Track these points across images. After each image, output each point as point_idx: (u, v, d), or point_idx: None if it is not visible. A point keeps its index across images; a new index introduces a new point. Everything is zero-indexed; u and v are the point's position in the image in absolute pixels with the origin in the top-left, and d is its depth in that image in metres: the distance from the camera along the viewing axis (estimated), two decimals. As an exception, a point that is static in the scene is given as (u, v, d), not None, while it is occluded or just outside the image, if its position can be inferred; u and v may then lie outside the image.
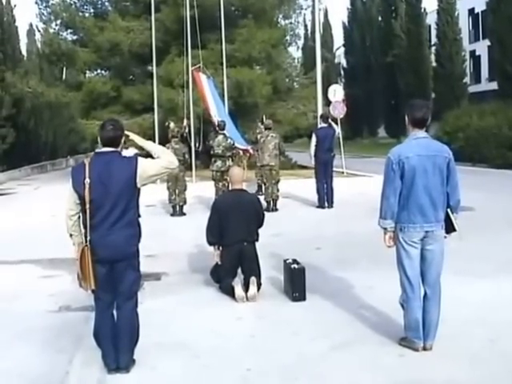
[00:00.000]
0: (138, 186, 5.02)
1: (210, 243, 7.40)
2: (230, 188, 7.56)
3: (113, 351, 5.17)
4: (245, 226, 7.24)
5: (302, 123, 27.06)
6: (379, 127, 54.97)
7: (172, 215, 13.90)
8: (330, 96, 21.72)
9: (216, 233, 7.27)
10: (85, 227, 5.00)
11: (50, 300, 7.34)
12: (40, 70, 33.59)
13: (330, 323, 6.21)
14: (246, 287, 7.12)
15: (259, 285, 7.23)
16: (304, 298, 6.87)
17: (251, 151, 15.72)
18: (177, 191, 13.85)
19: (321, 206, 14.32)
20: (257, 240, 7.43)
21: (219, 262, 7.38)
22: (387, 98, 50.10)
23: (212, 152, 14.08)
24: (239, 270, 7.36)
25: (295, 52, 63.03)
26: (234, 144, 14.20)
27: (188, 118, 18.47)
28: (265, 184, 14.42)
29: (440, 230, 5.37)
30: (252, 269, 7.26)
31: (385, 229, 5.49)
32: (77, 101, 25.31)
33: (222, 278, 7.33)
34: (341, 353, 5.50)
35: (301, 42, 42.68)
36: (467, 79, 45.85)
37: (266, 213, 13.59)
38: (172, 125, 15.41)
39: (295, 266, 6.99)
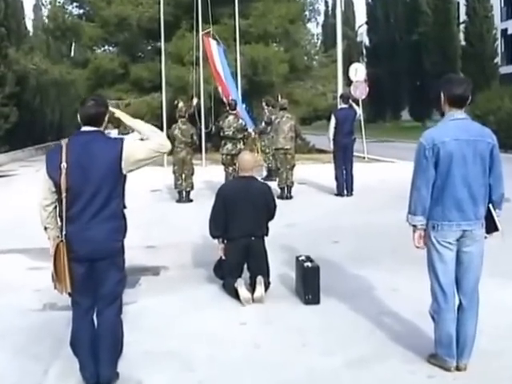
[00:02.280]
0: (124, 172, 4.25)
1: (214, 236, 6.60)
2: (238, 175, 6.71)
3: (92, 363, 4.43)
4: (253, 218, 6.41)
5: (320, 104, 26.00)
6: (403, 110, 53.46)
7: (178, 201, 13.05)
8: (351, 75, 20.74)
9: (220, 225, 6.46)
10: (61, 219, 4.26)
11: (34, 296, 6.59)
12: (47, 46, 32.58)
13: (345, 332, 5.40)
14: (253, 287, 6.34)
15: (267, 284, 6.43)
16: (318, 301, 6.06)
17: (252, 134, 14.73)
18: (183, 176, 12.99)
19: (339, 193, 13.44)
20: (266, 235, 6.60)
21: (223, 257, 6.59)
22: (412, 78, 48.58)
23: (222, 134, 13.26)
24: (246, 267, 6.57)
25: (314, 29, 61.61)
26: (245, 125, 13.36)
27: (198, 97, 17.64)
28: (279, 169, 13.51)
29: (480, 228, 4.53)
30: (259, 267, 6.46)
31: (414, 226, 4.65)
32: (82, 78, 24.41)
33: (226, 275, 6.54)
34: (357, 370, 4.72)
35: (321, 19, 41.55)
36: (498, 59, 44.45)
37: (279, 200, 12.91)
38: (181, 104, 14.59)
39: (308, 264, 6.16)
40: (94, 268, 4.30)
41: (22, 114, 25.53)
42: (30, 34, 37.63)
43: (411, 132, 40.55)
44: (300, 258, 6.37)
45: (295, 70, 24.94)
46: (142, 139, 4.34)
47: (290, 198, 13.30)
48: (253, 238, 6.42)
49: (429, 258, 4.63)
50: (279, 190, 13.30)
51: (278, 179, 13.49)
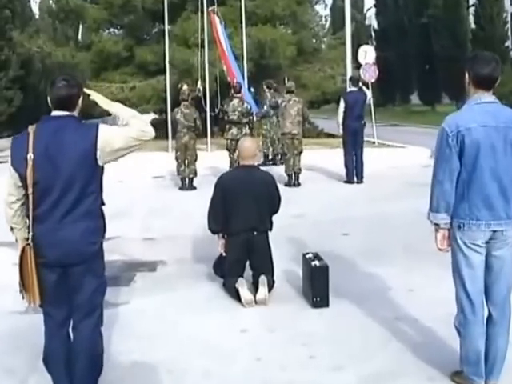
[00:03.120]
0: (100, 163, 3.67)
1: (213, 231, 6.03)
2: (239, 163, 6.12)
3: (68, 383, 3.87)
4: (255, 211, 5.84)
5: (329, 87, 25.18)
6: (412, 93, 52.53)
7: (181, 189, 12.45)
8: (361, 58, 19.96)
9: (220, 219, 5.89)
10: (28, 218, 3.68)
11: (18, 296, 6.02)
12: (53, 29, 31.98)
13: (357, 342, 4.82)
14: (255, 286, 5.78)
15: (271, 283, 5.88)
16: (326, 303, 5.48)
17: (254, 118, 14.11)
18: (186, 162, 12.38)
19: (349, 180, 12.82)
20: (270, 229, 6.02)
21: (224, 253, 6.02)
22: (421, 62, 47.47)
23: (226, 118, 12.66)
24: (248, 264, 6.01)
25: (322, 11, 60.54)
26: (251, 109, 12.74)
27: (203, 80, 17.01)
28: (286, 155, 12.88)
29: (512, 229, 3.93)
30: (262, 264, 5.90)
31: (437, 225, 4.06)
32: (86, 61, 23.74)
33: (226, 274, 5.98)
34: (371, 388, 4.16)
35: (329, 2, 40.54)
36: (509, 43, 43.36)
37: (286, 188, 12.45)
38: (185, 87, 13.95)
39: (316, 263, 5.58)
40: (67, 275, 3.73)
41: (27, 98, 24.88)
42: (36, 16, 36.91)
43: (421, 116, 39.88)
44: (307, 256, 5.78)
45: (303, 52, 24.14)
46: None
47: (298, 185, 12.70)
48: (255, 233, 5.84)
49: (454, 262, 4.05)
50: (286, 177, 12.71)
51: (284, 166, 12.88)
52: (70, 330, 3.91)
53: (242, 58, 18.19)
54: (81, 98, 3.78)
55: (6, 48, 24.18)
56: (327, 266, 5.52)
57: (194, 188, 12.32)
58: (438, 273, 5.78)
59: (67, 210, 3.61)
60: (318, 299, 5.44)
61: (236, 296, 5.67)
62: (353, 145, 12.83)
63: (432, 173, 4.06)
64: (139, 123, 3.66)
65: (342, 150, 13.23)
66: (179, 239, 8.18)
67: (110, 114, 3.98)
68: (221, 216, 5.85)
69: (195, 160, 12.41)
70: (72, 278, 3.74)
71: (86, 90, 3.85)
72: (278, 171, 13.54)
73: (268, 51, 21.07)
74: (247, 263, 5.98)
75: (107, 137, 3.60)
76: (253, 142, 6.19)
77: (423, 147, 18.10)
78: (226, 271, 5.95)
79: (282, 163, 13.96)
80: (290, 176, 12.70)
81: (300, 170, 12.76)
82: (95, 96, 3.85)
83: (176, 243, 8.05)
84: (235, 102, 12.72)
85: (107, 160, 3.66)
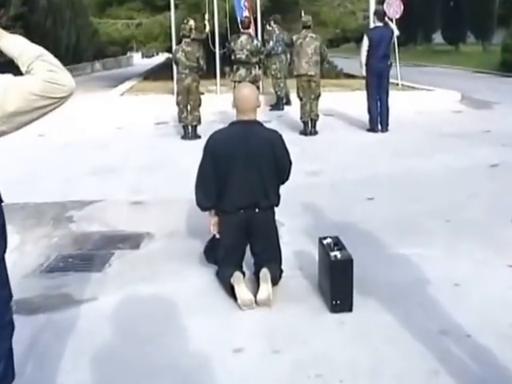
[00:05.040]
0: None
1: (202, 207, 4.69)
2: (236, 119, 4.72)
3: None
4: (257, 181, 4.47)
5: (349, 24, 23.26)
6: (435, 32, 50.18)
7: (183, 138, 11.06)
8: (384, -9, 18.20)
9: (210, 192, 4.52)
10: None
11: None
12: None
13: (392, 372, 3.49)
14: (257, 277, 4.48)
15: (278, 275, 4.59)
16: (349, 307, 4.16)
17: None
18: (188, 107, 10.96)
19: (372, 128, 11.36)
20: (276, 204, 4.65)
21: (217, 235, 4.71)
22: (445, -2, 45.35)
23: (233, 57, 11.18)
24: (249, 249, 4.70)
25: None
26: (261, 47, 11.23)
27: (212, 15, 15.46)
28: (301, 99, 11.40)
29: None
30: (266, 250, 4.58)
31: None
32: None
33: (220, 262, 4.68)
34: None
35: None
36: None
37: (302, 137, 11.05)
38: (191, 22, 12.42)
39: (337, 254, 4.21)
40: None
41: (31, 37, 23.10)
42: None
43: (444, 56, 37.87)
44: (325, 242, 4.41)
45: (321, -15, 22.29)
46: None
47: (315, 133, 11.29)
48: (257, 210, 4.48)
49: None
50: (302, 125, 11.30)
51: (300, 112, 11.41)
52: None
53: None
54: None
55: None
56: (351, 259, 4.16)
57: (198, 137, 10.92)
58: (489, 257, 4.83)
59: None
60: (339, 302, 4.12)
61: (231, 293, 4.38)
62: (377, 88, 11.33)
63: None
64: (49, 70, 2.23)
65: (363, 93, 11.79)
66: (173, 204, 6.88)
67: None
68: (211, 189, 4.49)
69: (199, 105, 10.98)
70: None
71: None
72: (293, 117, 12.19)
73: (284, -16, 19.28)
74: (247, 247, 4.68)
75: None
76: (253, 89, 4.72)
77: (452, 90, 16.59)
78: (220, 259, 4.64)
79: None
80: (305, 123, 11.29)
81: (317, 116, 11.31)
82: None
83: (168, 209, 6.77)
84: (243, 38, 11.24)
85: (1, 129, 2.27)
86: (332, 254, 4.18)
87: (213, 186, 4.48)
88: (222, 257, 4.61)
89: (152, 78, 22.79)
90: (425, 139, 10.44)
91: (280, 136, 4.62)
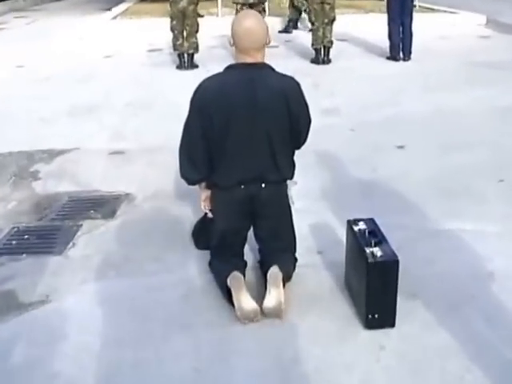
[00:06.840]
0: None
1: (189, 181, 3.47)
2: (235, 61, 3.43)
3: None
4: (263, 147, 3.23)
5: None
6: None
7: (178, 67, 9.70)
8: None
9: (199, 160, 3.29)
10: None
11: None
12: None
13: None
14: (264, 273, 3.35)
15: (292, 267, 3.44)
16: (392, 323, 3.02)
17: None
18: (184, 33, 9.57)
19: (393, 56, 9.97)
20: (290, 177, 3.44)
21: (209, 214, 3.53)
22: None
23: (235, -26, 9.74)
24: (253, 233, 3.53)
25: None
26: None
27: None
28: (313, 24, 10.00)
29: None
30: (276, 237, 3.42)
31: None
32: None
33: (214, 252, 3.52)
34: None
35: None
36: None
37: (313, 66, 9.74)
38: None
39: (376, 251, 3.01)
40: None
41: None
42: None
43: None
44: (356, 229, 3.23)
45: None
46: None
47: (328, 62, 9.93)
48: (263, 186, 3.28)
49: None
50: (314, 53, 9.95)
51: (312, 38, 10.01)
52: None
53: None
54: None
55: None
56: (397, 260, 2.97)
57: (196, 66, 9.62)
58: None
59: None
60: (376, 316, 2.98)
61: (228, 297, 3.24)
62: (399, 11, 9.89)
63: None
64: None
65: (378, 16, 10.39)
66: (160, 154, 5.69)
67: None
68: (201, 155, 3.27)
69: (196, 31, 9.54)
70: None
71: None
72: (302, 42, 10.84)
73: None
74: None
75: None
76: (258, 19, 3.35)
77: (476, 13, 14.99)
78: (214, 246, 3.48)
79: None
80: (317, 51, 9.92)
81: (331, 43, 9.91)
82: None
83: (154, 161, 5.61)
84: (247, -49, 9.76)
85: None
86: (368, 250, 2.99)
87: (203, 152, 3.25)
88: (217, 243, 3.45)
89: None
90: (454, 69, 9.10)
91: (297, 84, 3.31)
